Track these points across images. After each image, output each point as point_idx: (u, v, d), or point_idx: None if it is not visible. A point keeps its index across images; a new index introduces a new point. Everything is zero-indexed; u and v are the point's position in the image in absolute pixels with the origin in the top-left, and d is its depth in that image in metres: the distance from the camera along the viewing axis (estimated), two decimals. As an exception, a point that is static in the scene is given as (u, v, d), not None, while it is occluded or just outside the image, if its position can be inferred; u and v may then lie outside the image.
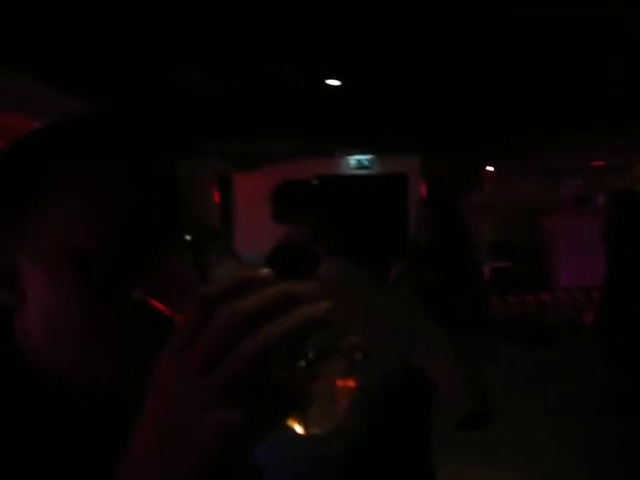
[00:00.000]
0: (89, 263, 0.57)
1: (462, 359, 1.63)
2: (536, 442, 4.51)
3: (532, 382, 5.86)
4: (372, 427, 1.58)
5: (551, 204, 11.55)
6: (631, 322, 5.18)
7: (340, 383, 0.43)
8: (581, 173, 11.74)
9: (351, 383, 0.44)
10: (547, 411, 5.15)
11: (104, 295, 0.57)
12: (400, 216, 9.26)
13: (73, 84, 4.79)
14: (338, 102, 6.43)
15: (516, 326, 8.75)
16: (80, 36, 3.92)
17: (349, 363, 0.43)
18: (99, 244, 0.57)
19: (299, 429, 0.43)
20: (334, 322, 0.44)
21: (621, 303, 5.35)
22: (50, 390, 0.60)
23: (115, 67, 4.69)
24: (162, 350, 0.44)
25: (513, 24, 4.05)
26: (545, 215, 11.56)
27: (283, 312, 0.42)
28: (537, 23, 4.04)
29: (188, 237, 0.56)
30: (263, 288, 0.43)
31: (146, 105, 5.42)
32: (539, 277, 11.30)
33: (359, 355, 0.43)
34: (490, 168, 11.70)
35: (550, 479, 4.12)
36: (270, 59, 4.90)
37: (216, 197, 9.27)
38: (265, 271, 0.46)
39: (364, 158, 10.25)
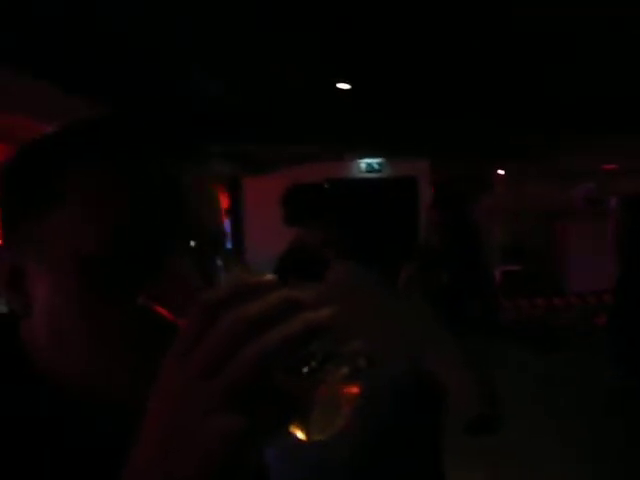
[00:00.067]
0: (91, 264, 0.57)
1: (471, 362, 1.62)
2: (543, 444, 4.49)
3: (541, 385, 5.84)
4: (382, 431, 1.58)
5: (563, 207, 11.49)
6: (638, 324, 5.16)
7: (343, 389, 0.43)
8: (593, 176, 11.66)
9: (354, 389, 0.44)
10: (554, 413, 5.14)
11: (106, 296, 0.58)
12: (410, 219, 9.18)
13: (73, 84, 4.78)
14: (348, 106, 6.43)
15: (526, 329, 8.72)
16: (80, 36, 3.92)
17: (352, 369, 0.43)
18: (100, 245, 0.57)
19: (302, 435, 0.43)
20: (337, 328, 0.44)
21: (629, 305, 5.34)
22: (54, 391, 0.60)
23: (115, 67, 4.69)
24: (165, 353, 0.44)
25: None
26: (556, 218, 11.51)
27: (285, 318, 0.42)
28: (542, 23, 4.01)
29: (193, 243, 0.56)
30: (267, 294, 0.44)
31: (146, 105, 5.43)
32: (550, 280, 11.25)
33: (362, 361, 0.43)
34: (501, 171, 11.65)
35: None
36: (281, 62, 4.90)
37: (225, 200, 9.28)
38: (269, 277, 0.46)
39: (374, 161, 10.23)
